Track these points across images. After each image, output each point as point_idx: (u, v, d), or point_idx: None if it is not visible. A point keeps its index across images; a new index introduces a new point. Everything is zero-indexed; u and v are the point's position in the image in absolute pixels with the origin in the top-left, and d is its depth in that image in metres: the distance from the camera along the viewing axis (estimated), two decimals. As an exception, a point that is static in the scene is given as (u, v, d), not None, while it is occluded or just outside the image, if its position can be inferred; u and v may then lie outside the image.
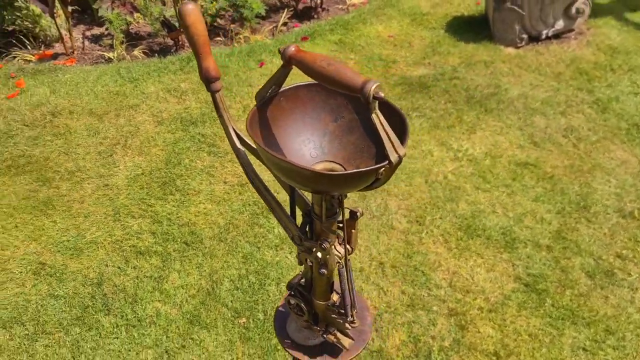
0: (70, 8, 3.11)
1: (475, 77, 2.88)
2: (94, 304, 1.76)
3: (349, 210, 0.76)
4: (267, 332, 1.66)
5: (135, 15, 3.37)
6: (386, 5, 3.74)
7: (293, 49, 0.64)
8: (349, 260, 0.79)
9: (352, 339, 0.92)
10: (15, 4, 3.08)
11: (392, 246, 1.93)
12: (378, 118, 0.59)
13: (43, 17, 3.21)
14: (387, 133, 0.59)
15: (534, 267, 1.85)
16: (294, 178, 0.62)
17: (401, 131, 0.64)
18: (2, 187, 2.22)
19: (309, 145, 0.72)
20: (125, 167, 2.32)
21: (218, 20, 3.48)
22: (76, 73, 2.99)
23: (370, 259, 1.89)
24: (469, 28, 3.39)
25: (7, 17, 3.16)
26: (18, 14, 3.16)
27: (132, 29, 3.49)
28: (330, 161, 0.72)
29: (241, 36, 3.33)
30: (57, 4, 3.10)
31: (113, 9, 3.29)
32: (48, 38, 3.30)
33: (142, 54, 3.18)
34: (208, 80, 0.72)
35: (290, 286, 0.88)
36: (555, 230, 1.99)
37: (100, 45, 3.33)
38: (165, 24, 3.22)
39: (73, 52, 3.22)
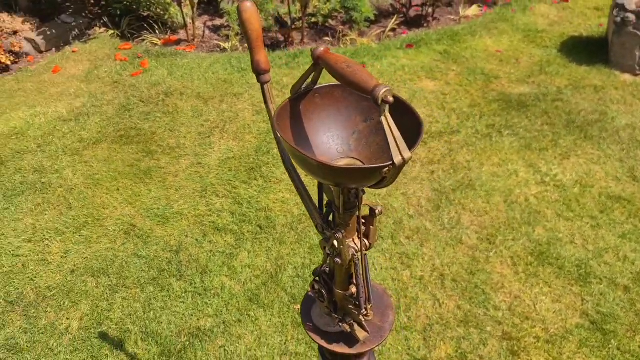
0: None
1: (581, 101, 2.74)
2: (169, 268, 1.93)
3: (369, 207, 0.81)
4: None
5: (253, 10, 3.58)
6: (500, 19, 3.65)
7: (322, 49, 0.69)
8: (365, 254, 0.83)
9: (367, 333, 0.95)
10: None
11: (457, 260, 1.92)
12: (386, 120, 0.63)
13: (172, 6, 3.51)
14: (393, 135, 0.63)
15: (606, 305, 1.75)
16: (303, 166, 0.68)
17: (415, 135, 0.68)
18: (113, 154, 2.49)
19: (337, 141, 0.78)
20: (219, 150, 2.49)
21: (329, 21, 3.60)
22: (192, 59, 3.24)
23: (432, 269, 1.89)
24: (585, 50, 3.22)
25: (142, 3, 3.51)
26: (152, 1, 3.49)
27: (249, 22, 3.71)
28: (354, 158, 0.77)
29: (348, 38, 3.42)
30: (185, -6, 3.39)
31: (234, 2, 3.52)
32: (174, 25, 3.61)
33: (253, 47, 3.38)
34: (258, 72, 0.80)
35: (315, 272, 0.93)
36: (638, 271, 1.86)
37: (218, 35, 3.58)
38: (278, 20, 3.39)
39: (194, 40, 3.50)
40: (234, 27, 3.42)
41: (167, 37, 3.53)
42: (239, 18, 0.76)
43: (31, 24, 3.51)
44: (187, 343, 1.69)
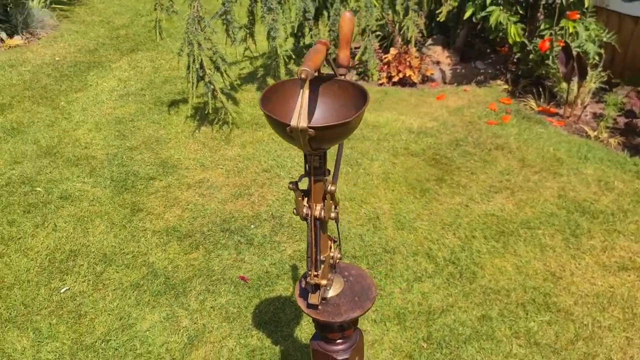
0: (594, 85, 3.39)
1: None
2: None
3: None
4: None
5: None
6: None
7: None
8: (318, 222, 1.06)
9: (318, 300, 1.15)
10: (547, 61, 3.61)
11: None
12: (301, 93, 0.89)
13: (563, 80, 3.62)
14: (300, 106, 0.89)
15: None
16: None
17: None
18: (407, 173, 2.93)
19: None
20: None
21: None
22: (550, 132, 3.32)
23: None
24: None
25: (542, 72, 3.74)
26: (549, 72, 3.68)
27: None
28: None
29: None
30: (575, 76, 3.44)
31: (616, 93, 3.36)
32: (561, 99, 3.71)
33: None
34: (337, 64, 1.12)
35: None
36: None
37: (595, 122, 3.49)
38: None
39: (568, 118, 3.53)
40: (607, 119, 3.29)
41: (547, 106, 3.68)
42: (339, 22, 1.10)
43: (451, 59, 4.23)
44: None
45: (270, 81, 4.06)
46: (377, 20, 4.34)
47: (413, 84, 4.12)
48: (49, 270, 2.34)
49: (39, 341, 2.01)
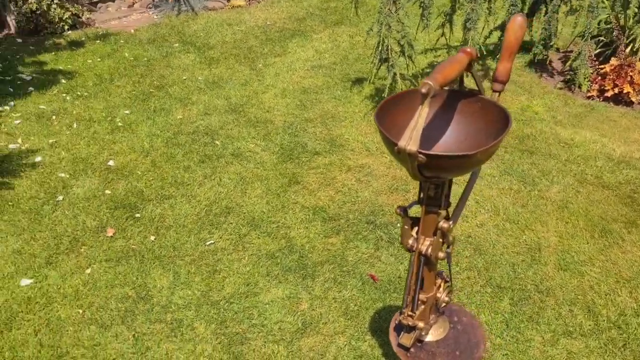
0: None
1: None
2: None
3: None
4: None
5: None
6: None
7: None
8: (422, 258, 0.91)
9: (410, 340, 1.00)
10: None
11: None
12: (419, 110, 0.74)
13: None
14: (414, 125, 0.74)
15: None
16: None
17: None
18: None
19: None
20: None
21: None
22: None
23: None
24: None
25: None
26: None
27: None
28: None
29: None
30: None
31: None
32: None
33: None
34: (494, 79, 0.94)
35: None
36: None
37: None
38: None
39: None
40: None
41: None
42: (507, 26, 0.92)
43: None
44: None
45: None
46: (605, 23, 3.78)
47: (630, 103, 3.52)
48: (202, 221, 2.50)
49: (175, 285, 2.16)
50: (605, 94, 3.54)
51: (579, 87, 3.64)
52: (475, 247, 2.31)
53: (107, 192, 2.69)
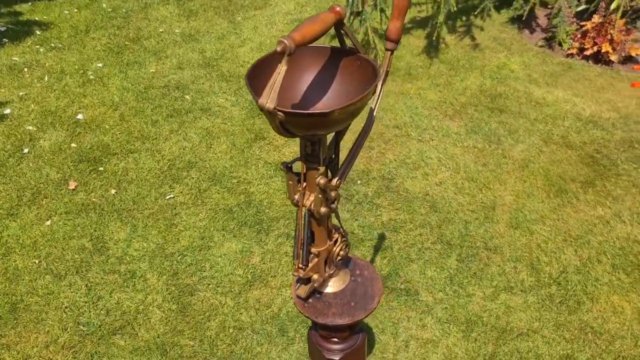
0: None
1: None
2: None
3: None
4: None
5: None
6: None
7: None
8: (306, 213, 0.93)
9: (304, 290, 1.04)
10: None
11: None
12: (278, 68, 0.75)
13: None
14: (272, 83, 0.75)
15: None
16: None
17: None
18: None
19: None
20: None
21: None
22: None
23: None
24: None
25: None
26: None
27: None
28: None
29: None
30: None
31: None
32: None
33: None
34: (386, 37, 0.94)
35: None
36: None
37: None
38: None
39: None
40: None
41: None
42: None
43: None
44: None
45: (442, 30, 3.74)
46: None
47: (609, 62, 3.46)
48: (164, 175, 2.53)
49: (131, 237, 2.21)
50: (585, 52, 3.49)
51: (560, 44, 3.58)
52: (431, 205, 2.34)
53: (73, 145, 2.71)
